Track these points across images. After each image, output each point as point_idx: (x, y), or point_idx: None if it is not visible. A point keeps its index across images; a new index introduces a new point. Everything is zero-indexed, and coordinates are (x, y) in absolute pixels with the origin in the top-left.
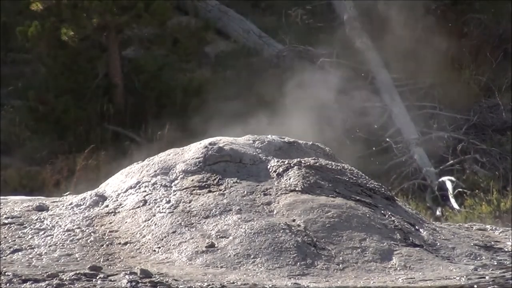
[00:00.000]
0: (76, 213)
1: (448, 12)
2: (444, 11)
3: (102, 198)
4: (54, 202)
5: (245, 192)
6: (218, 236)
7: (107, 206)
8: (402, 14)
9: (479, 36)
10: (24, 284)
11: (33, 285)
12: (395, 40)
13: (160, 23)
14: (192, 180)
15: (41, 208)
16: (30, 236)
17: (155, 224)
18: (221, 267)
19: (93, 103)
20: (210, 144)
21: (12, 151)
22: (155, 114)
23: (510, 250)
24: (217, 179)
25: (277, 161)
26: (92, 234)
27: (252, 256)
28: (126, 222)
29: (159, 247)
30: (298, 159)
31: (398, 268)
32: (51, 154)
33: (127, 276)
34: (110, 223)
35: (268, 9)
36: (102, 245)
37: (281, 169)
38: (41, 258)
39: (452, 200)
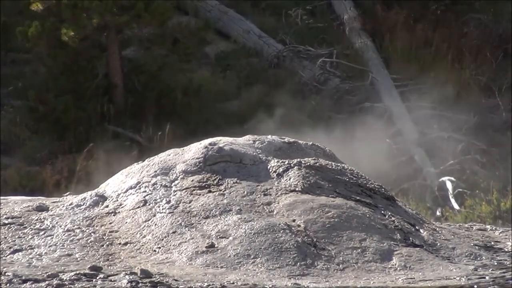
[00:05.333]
0: (76, 213)
1: (448, 12)
2: (444, 11)
3: (102, 198)
4: (54, 202)
5: (245, 192)
6: (218, 236)
7: (107, 206)
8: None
9: (479, 36)
10: (24, 284)
11: (33, 285)
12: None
13: (160, 23)
14: (192, 180)
15: (41, 208)
16: (30, 236)
17: (155, 224)
18: (221, 267)
19: (93, 103)
20: (210, 144)
21: (12, 151)
22: (155, 114)
23: (510, 250)
24: (217, 179)
25: (277, 161)
26: (92, 234)
27: (252, 256)
28: (126, 222)
29: (159, 247)
30: (298, 159)
31: (398, 268)
32: (51, 154)
33: (127, 276)
34: (110, 223)
35: (268, 9)
36: (102, 245)
37: (281, 169)
38: (41, 258)
39: (452, 200)
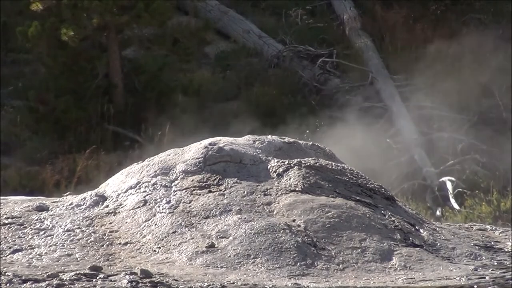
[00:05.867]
0: (76, 213)
1: (448, 12)
2: (444, 11)
3: (102, 198)
4: (54, 202)
5: (245, 192)
6: (218, 236)
7: (107, 206)
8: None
9: (479, 36)
10: (24, 284)
11: (33, 285)
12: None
13: (160, 23)
14: (192, 180)
15: (41, 208)
16: (30, 236)
17: (155, 224)
18: (221, 267)
19: (93, 103)
20: (210, 144)
21: (12, 151)
22: (155, 114)
23: (510, 250)
24: (217, 179)
25: (277, 161)
26: (92, 234)
27: (252, 256)
28: (126, 222)
29: (159, 247)
30: (298, 159)
31: (398, 268)
32: (51, 154)
33: (127, 276)
34: (110, 223)
35: (268, 9)
36: (102, 245)
37: (281, 169)
38: (41, 258)
39: (452, 200)
